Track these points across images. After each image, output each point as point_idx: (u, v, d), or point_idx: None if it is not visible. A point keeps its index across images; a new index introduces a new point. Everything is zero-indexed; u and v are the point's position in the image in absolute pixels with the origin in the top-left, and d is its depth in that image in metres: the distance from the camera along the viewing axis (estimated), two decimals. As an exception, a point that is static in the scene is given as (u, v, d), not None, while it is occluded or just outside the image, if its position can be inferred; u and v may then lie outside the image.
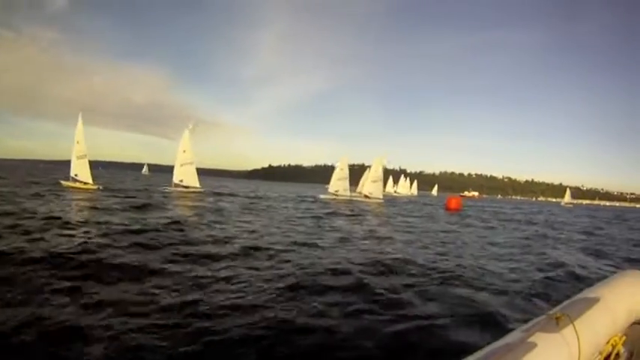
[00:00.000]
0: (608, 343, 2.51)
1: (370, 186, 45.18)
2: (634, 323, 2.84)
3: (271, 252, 9.96)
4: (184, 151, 37.21)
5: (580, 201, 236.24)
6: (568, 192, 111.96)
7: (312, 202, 36.28)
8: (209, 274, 7.49)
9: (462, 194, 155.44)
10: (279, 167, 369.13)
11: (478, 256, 11.69)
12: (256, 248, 10.27)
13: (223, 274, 7.55)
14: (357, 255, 10.42)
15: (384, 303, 6.24)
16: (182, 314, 5.33)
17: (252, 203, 28.49)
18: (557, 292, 7.47)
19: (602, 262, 12.23)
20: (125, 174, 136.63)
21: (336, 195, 42.47)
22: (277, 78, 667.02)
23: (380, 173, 45.91)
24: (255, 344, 4.62)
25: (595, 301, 2.52)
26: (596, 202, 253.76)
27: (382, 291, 6.82)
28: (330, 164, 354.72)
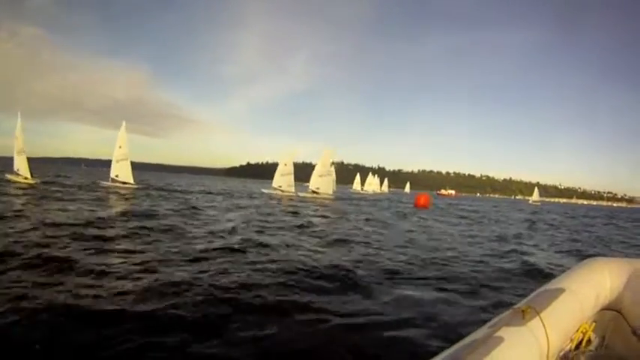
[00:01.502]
0: (577, 330, 2.57)
1: (317, 181, 42.70)
2: (602, 309, 2.86)
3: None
4: (120, 147, 36.39)
5: (551, 199, 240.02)
6: (536, 190, 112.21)
7: (254, 197, 35.50)
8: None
9: (438, 192, 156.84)
10: (257, 165, 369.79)
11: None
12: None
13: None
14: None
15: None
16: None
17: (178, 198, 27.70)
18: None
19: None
20: (99, 170, 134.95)
21: (281, 191, 40.94)
22: (258, 77, 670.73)
23: (328, 167, 43.88)
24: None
25: (561, 291, 2.51)
26: (573, 200, 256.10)
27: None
28: (309, 162, 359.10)
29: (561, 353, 2.46)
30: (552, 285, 2.59)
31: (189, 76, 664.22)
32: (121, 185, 35.70)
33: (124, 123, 37.10)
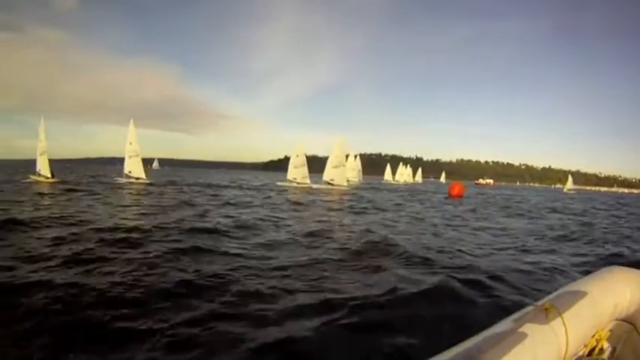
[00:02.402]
0: (593, 337, 2.54)
1: (331, 172, 41.84)
2: (617, 319, 2.77)
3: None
4: (130, 143, 37.35)
5: (592, 187, 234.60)
6: (570, 178, 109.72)
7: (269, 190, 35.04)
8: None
9: (476, 182, 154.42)
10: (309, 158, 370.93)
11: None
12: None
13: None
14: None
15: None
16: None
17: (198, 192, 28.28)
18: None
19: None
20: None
21: (297, 183, 40.65)
22: (287, 71, 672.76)
23: (342, 158, 42.86)
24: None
25: (583, 294, 2.45)
26: (613, 189, 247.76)
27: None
28: (347, 153, 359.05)
29: (575, 357, 2.46)
30: (573, 287, 2.59)
31: (219, 72, 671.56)
32: (135, 181, 36.41)
33: (131, 120, 38.06)
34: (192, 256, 7.53)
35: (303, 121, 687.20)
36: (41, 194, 21.30)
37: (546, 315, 2.11)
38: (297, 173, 41.47)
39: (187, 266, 6.80)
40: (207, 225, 11.50)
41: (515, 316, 2.11)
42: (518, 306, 2.35)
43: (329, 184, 41.02)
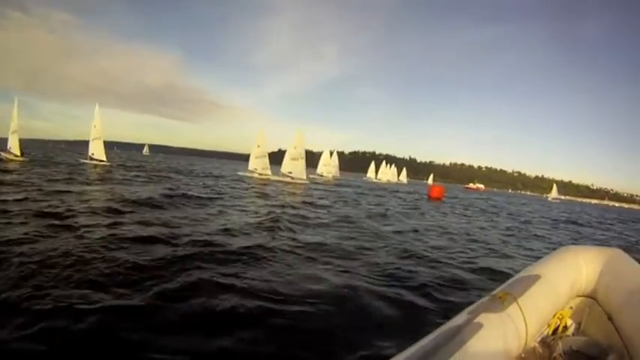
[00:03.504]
0: (554, 317, 2.65)
1: (290, 165, 40.67)
2: (578, 296, 2.97)
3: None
4: (95, 127, 38.34)
5: (583, 199, 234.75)
6: (554, 187, 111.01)
7: (230, 179, 35.18)
8: None
9: (466, 186, 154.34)
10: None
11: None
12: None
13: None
14: None
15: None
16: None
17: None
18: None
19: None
20: (130, 153, 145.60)
21: (259, 173, 40.26)
22: (289, 64, 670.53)
23: (300, 150, 40.91)
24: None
25: (537, 277, 2.60)
26: (605, 202, 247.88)
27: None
28: (340, 151, 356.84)
29: (539, 338, 2.56)
30: (528, 272, 2.72)
31: (221, 62, 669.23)
32: (97, 162, 37.45)
33: (96, 104, 39.09)
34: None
35: (301, 115, 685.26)
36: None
37: (501, 303, 2.20)
38: (258, 164, 41.15)
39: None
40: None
41: (470, 308, 2.18)
42: (475, 298, 2.56)
43: (287, 176, 40.16)
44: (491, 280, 6.85)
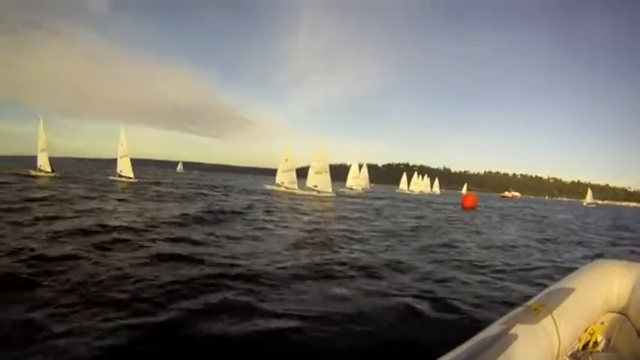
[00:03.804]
0: (585, 331, 2.62)
1: (315, 178, 40.81)
2: (609, 312, 2.88)
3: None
4: (121, 145, 39.75)
5: (622, 203, 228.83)
6: (589, 192, 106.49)
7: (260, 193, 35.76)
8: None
9: (502, 194, 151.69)
10: None
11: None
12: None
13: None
14: None
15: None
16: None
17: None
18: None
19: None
20: (165, 170, 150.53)
21: (285, 187, 40.41)
22: (315, 78, 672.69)
23: (324, 164, 41.07)
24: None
25: (571, 291, 2.52)
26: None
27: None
28: (374, 163, 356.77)
29: (569, 353, 2.50)
30: (562, 284, 2.64)
31: (249, 78, 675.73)
32: (126, 179, 38.55)
33: (121, 125, 40.62)
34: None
35: (330, 129, 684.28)
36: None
37: (535, 314, 2.17)
38: (285, 178, 41.22)
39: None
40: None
41: (504, 318, 2.15)
42: (508, 308, 2.43)
43: (313, 190, 40.10)
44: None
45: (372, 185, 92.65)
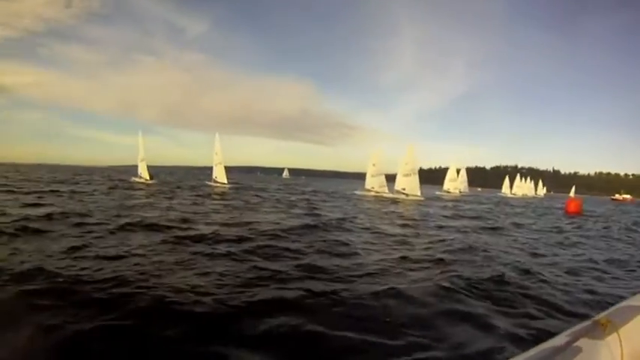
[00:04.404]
0: None
1: (402, 181, 40.18)
2: None
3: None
4: (216, 154, 43.65)
5: None
6: None
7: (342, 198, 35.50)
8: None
9: (613, 197, 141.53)
10: (429, 170, 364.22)
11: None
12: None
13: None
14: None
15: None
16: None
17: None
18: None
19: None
20: (272, 177, 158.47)
21: (375, 192, 40.09)
22: (418, 82, 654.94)
23: (412, 166, 40.33)
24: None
25: None
26: None
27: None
28: (482, 166, 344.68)
29: None
30: (632, 302, 2.58)
31: (351, 85, 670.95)
32: (220, 184, 41.69)
33: (217, 134, 45.32)
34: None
35: (435, 133, 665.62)
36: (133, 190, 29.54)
37: (602, 330, 2.12)
38: (375, 182, 41.06)
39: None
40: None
41: (570, 330, 2.14)
42: (575, 321, 2.48)
43: (401, 193, 39.56)
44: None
45: (480, 190, 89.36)
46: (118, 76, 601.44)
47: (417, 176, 39.77)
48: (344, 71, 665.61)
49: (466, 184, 66.96)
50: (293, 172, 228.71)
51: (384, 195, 39.31)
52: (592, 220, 27.21)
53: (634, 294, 2.64)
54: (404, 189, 39.51)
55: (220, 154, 43.23)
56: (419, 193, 39.03)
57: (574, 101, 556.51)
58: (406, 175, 40.40)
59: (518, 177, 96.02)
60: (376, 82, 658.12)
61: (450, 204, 36.09)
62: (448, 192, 58.38)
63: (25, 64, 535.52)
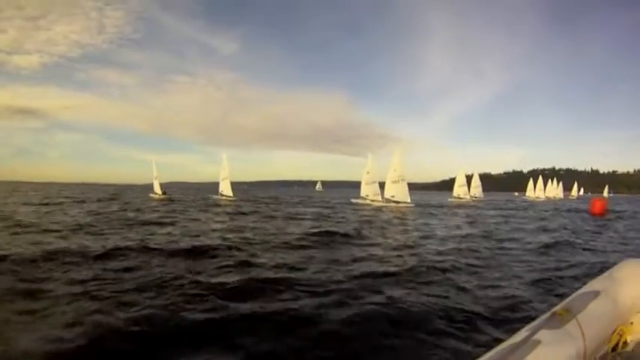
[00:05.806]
0: (614, 333, 2.60)
1: (391, 188, 39.36)
2: (639, 312, 2.82)
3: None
4: (223, 169, 47.13)
5: None
6: None
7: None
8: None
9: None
10: (468, 176, 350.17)
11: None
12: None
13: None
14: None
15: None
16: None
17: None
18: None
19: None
20: (307, 189, 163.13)
21: (370, 200, 40.53)
22: (452, 87, 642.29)
23: (401, 172, 39.18)
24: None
25: (597, 293, 2.61)
26: None
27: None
28: (519, 170, 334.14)
29: (598, 355, 2.51)
30: (588, 288, 2.71)
31: (385, 94, 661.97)
32: (226, 198, 44.87)
33: (224, 154, 48.35)
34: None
35: (472, 138, 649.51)
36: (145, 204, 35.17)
37: (560, 320, 2.23)
38: (369, 190, 41.02)
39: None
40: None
41: (529, 325, 2.22)
42: (534, 315, 2.55)
43: (391, 200, 38.75)
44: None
45: (516, 194, 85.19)
46: (153, 98, 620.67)
47: (405, 182, 39.35)
48: (377, 80, 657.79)
49: (480, 189, 66.64)
50: (329, 184, 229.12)
51: (375, 204, 39.36)
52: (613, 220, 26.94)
53: (587, 282, 2.80)
54: (393, 196, 39.24)
55: (227, 169, 46.07)
56: (409, 200, 38.48)
57: (607, 97, 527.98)
58: (395, 182, 39.54)
59: (540, 179, 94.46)
60: (410, 89, 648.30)
61: (445, 209, 36.70)
62: (459, 197, 58.31)
63: (63, 88, 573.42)
